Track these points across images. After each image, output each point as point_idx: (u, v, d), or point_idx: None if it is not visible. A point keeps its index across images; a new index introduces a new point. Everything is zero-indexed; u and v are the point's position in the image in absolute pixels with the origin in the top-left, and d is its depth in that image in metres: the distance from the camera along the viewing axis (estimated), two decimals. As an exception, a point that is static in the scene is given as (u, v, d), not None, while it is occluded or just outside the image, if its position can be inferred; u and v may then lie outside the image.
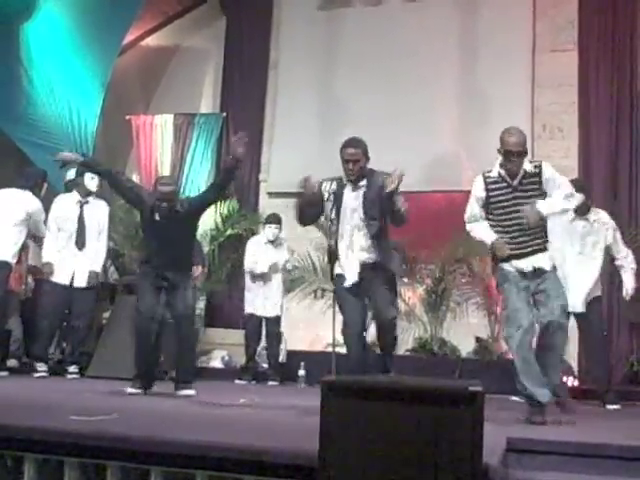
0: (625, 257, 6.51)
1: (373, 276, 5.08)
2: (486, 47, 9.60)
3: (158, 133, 10.17)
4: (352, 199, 5.18)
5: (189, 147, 10.35)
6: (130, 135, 10.49)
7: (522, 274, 4.87)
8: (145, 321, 5.80)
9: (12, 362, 7.61)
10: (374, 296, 5.11)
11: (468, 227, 5.12)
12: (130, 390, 5.77)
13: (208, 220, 9.82)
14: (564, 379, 7.85)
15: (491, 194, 4.96)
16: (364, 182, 5.16)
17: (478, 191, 5.02)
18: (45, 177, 7.50)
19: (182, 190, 9.24)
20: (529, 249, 4.89)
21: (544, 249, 4.91)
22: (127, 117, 10.51)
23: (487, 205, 4.99)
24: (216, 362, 8.86)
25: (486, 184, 4.97)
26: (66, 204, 7.46)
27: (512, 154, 4.82)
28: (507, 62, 9.45)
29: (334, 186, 5.21)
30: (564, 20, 9.43)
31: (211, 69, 10.90)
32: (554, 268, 4.93)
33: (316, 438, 2.64)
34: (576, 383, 7.83)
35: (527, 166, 4.90)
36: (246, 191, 10.23)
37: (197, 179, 9.88)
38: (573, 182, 5.39)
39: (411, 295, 9.07)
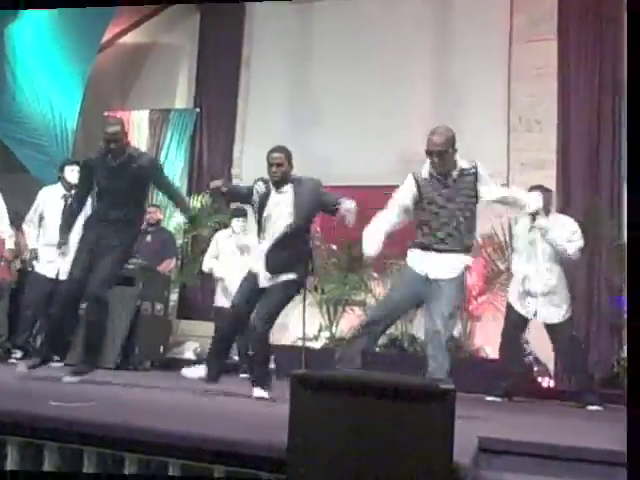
0: None
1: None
2: (462, 37, 9.55)
3: (135, 129, 10.21)
4: (275, 203, 5.38)
5: (163, 143, 10.42)
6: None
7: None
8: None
9: None
10: None
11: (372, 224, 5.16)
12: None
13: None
14: (539, 380, 7.77)
15: (422, 191, 4.97)
16: (287, 187, 5.38)
17: (405, 192, 5.06)
18: None
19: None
20: (445, 246, 4.94)
21: (461, 251, 4.97)
22: (105, 114, 10.55)
23: (418, 203, 5.01)
24: (188, 353, 8.95)
25: (417, 184, 4.99)
26: (50, 197, 7.45)
27: (431, 154, 4.89)
28: (483, 52, 9.35)
29: (263, 188, 5.41)
30: (543, 8, 9.24)
31: (185, 65, 11.00)
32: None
33: (285, 431, 2.65)
34: (552, 384, 7.85)
35: (463, 164, 4.97)
36: (219, 185, 10.28)
37: (170, 175, 9.91)
38: None
39: (381, 291, 9.06)
